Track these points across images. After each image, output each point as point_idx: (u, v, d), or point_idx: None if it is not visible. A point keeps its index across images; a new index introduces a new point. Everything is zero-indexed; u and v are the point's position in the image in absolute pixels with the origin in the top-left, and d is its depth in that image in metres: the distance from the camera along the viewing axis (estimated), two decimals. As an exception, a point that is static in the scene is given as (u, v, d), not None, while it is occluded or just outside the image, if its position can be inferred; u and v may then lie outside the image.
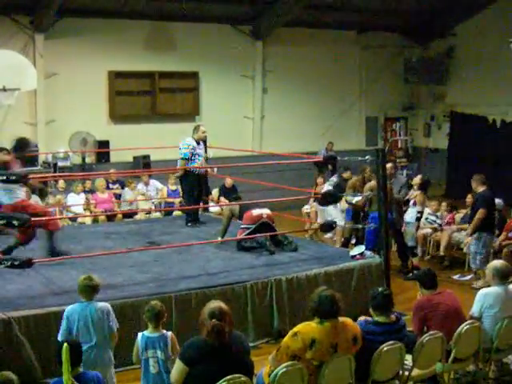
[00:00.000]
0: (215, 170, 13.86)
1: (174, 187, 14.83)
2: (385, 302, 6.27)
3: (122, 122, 17.00)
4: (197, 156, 11.81)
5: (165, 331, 5.97)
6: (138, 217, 14.15)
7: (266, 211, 10.35)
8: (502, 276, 7.08)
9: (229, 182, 15.29)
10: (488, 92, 18.68)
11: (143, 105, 17.37)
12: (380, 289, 6.47)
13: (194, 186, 11.96)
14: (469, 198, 12.61)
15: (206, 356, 5.27)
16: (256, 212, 10.27)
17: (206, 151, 12.42)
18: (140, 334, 5.96)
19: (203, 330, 5.32)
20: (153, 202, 14.69)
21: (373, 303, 6.31)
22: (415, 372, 6.40)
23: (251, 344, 7.96)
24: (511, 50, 8.72)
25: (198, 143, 11.95)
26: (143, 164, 16.28)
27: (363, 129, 21.22)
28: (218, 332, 5.27)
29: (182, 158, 11.83)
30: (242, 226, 10.34)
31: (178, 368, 5.35)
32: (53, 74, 15.98)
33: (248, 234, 10.15)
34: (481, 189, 11.09)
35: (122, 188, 15.05)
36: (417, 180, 13.57)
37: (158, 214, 14.33)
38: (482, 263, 10.80)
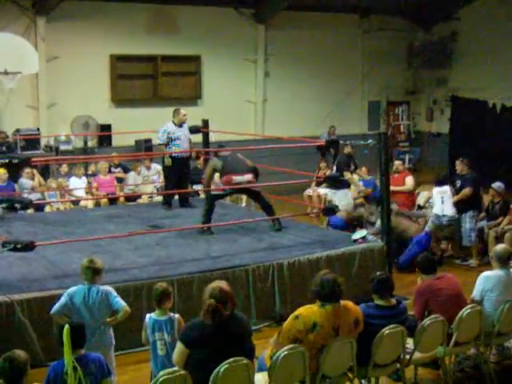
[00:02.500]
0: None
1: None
2: (381, 286, 6.28)
3: (124, 106, 16.99)
4: (176, 140, 11.84)
5: (172, 314, 5.98)
6: (140, 200, 14.16)
7: (247, 178, 10.25)
8: (503, 260, 7.10)
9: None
10: (490, 76, 18.64)
11: (145, 88, 17.35)
12: (378, 273, 6.51)
13: (173, 170, 11.98)
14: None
15: (205, 338, 5.28)
16: (237, 179, 10.18)
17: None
18: (148, 316, 5.97)
19: (202, 310, 5.35)
20: (155, 186, 14.67)
21: (372, 287, 6.34)
22: (416, 355, 6.41)
23: (253, 327, 7.99)
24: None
25: (181, 126, 11.98)
26: (145, 148, 16.26)
27: (365, 113, 21.17)
28: (213, 311, 5.26)
29: (159, 144, 12.05)
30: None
31: (179, 350, 5.36)
32: (54, 57, 15.95)
33: (220, 198, 10.23)
34: (466, 171, 11.57)
35: (124, 172, 15.04)
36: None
37: (160, 198, 14.30)
38: (475, 239, 11.36)
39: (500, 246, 7.36)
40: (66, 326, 4.87)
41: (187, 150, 11.96)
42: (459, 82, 20.00)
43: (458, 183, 11.63)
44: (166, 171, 12.30)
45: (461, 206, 11.38)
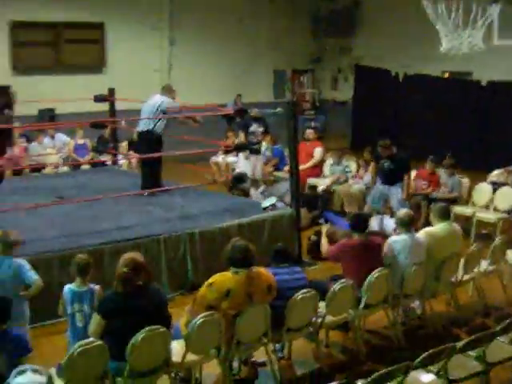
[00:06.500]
0: (123, 122, 13.72)
1: (81, 141, 14.55)
2: (278, 256, 6.60)
3: (26, 74, 16.51)
4: None
5: (92, 285, 5.93)
6: (45, 171, 13.83)
7: None
8: (406, 224, 7.35)
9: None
10: (392, 45, 19.00)
11: (47, 56, 16.91)
12: (279, 244, 6.91)
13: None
14: (366, 154, 12.91)
15: (120, 308, 5.31)
16: None
17: None
18: (66, 288, 5.88)
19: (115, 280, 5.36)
20: (61, 156, 14.37)
21: (270, 258, 6.65)
22: (328, 319, 6.59)
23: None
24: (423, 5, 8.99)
25: None
26: (49, 117, 15.89)
27: (271, 81, 21.29)
28: (124, 280, 5.31)
29: None
30: None
31: (95, 321, 5.37)
32: (-50, 23, 15.35)
33: None
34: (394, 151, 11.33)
35: (28, 142, 14.64)
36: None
37: (65, 169, 14.05)
38: None
39: (402, 212, 7.61)
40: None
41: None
42: (363, 51, 20.31)
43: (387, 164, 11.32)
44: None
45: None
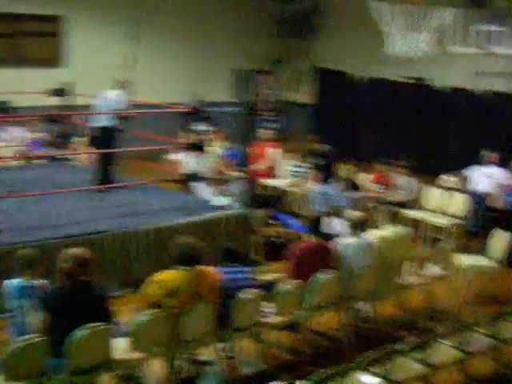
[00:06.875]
0: (82, 117, 13.61)
1: (37, 135, 14.37)
2: (226, 255, 6.69)
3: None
4: None
5: (36, 281, 5.83)
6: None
7: None
8: (355, 226, 7.40)
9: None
10: (351, 49, 19.08)
11: (5, 48, 16.67)
12: (228, 243, 7.20)
13: None
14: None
15: (63, 303, 5.27)
16: None
17: None
18: (8, 282, 5.79)
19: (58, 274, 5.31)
20: (16, 151, 14.16)
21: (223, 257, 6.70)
22: (275, 319, 6.58)
23: (113, 293, 7.95)
24: (371, 9, 9.03)
25: None
26: (2, 110, 15.66)
27: (231, 81, 21.23)
28: (67, 276, 5.29)
29: None
30: None
31: (38, 316, 5.31)
32: None
33: None
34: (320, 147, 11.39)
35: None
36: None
37: (20, 163, 13.84)
38: None
39: (353, 213, 7.69)
40: None
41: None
42: (323, 54, 20.30)
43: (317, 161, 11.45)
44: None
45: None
